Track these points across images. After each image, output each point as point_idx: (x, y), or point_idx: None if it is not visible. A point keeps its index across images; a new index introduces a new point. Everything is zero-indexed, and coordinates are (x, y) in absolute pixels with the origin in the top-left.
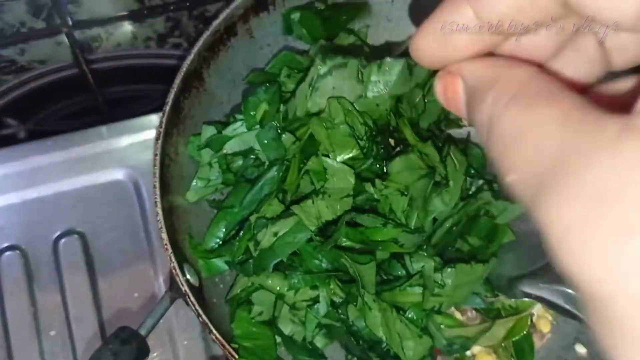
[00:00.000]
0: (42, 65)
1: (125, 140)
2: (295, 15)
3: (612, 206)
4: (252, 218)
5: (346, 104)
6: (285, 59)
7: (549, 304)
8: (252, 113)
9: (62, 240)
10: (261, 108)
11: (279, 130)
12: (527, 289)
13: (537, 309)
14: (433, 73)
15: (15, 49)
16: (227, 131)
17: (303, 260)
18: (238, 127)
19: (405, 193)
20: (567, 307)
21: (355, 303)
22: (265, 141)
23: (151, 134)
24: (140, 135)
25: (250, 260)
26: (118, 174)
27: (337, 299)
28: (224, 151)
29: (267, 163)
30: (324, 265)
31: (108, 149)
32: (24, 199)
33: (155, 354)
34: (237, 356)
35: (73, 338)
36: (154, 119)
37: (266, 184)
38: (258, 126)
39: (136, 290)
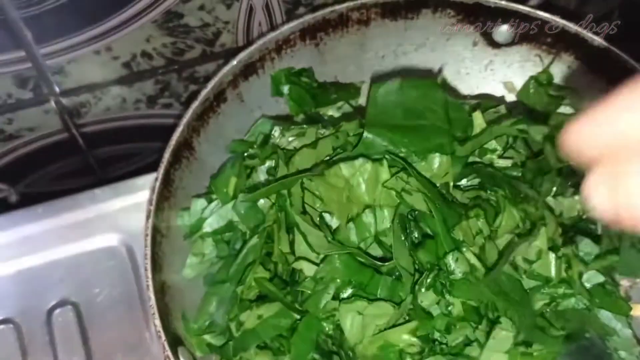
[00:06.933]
0: (31, 132)
1: (117, 204)
2: (284, 88)
3: None
4: (239, 290)
5: None
6: (263, 127)
7: None
8: (224, 190)
9: (56, 312)
10: (232, 182)
11: None
12: None
13: None
14: None
15: (2, 119)
16: (205, 213)
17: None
18: (214, 206)
19: None
20: None
21: None
22: (242, 211)
23: (144, 195)
24: (133, 198)
25: (230, 342)
26: (111, 240)
27: None
28: (205, 230)
29: (248, 233)
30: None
31: (100, 214)
32: (16, 269)
33: None
34: None
35: None
36: (146, 180)
37: (249, 253)
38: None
39: None
